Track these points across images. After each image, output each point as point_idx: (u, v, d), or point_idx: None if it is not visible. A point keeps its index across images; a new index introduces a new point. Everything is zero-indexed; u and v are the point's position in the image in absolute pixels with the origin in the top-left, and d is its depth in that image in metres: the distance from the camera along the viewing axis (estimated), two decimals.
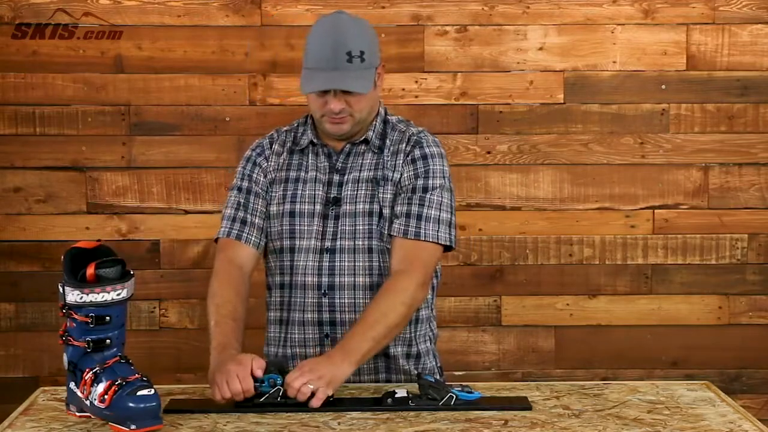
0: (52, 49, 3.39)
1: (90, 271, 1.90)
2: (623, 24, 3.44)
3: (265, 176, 2.41)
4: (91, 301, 1.88)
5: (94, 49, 3.40)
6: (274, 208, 2.39)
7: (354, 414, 2.02)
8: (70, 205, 3.42)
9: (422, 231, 2.29)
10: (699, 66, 3.46)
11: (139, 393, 1.86)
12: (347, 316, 2.33)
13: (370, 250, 2.34)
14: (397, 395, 2.06)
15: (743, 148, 3.48)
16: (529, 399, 2.13)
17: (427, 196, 2.32)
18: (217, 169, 3.43)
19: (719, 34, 3.44)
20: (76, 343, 1.92)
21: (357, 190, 2.35)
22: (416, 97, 3.43)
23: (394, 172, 2.35)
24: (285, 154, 2.42)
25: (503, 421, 1.98)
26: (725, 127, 3.47)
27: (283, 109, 3.41)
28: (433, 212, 2.31)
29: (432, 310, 2.48)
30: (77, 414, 1.97)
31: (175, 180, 3.43)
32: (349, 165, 2.37)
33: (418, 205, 2.31)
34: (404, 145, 2.37)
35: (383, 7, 3.38)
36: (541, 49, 3.44)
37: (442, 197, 2.33)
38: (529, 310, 3.48)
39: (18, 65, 3.39)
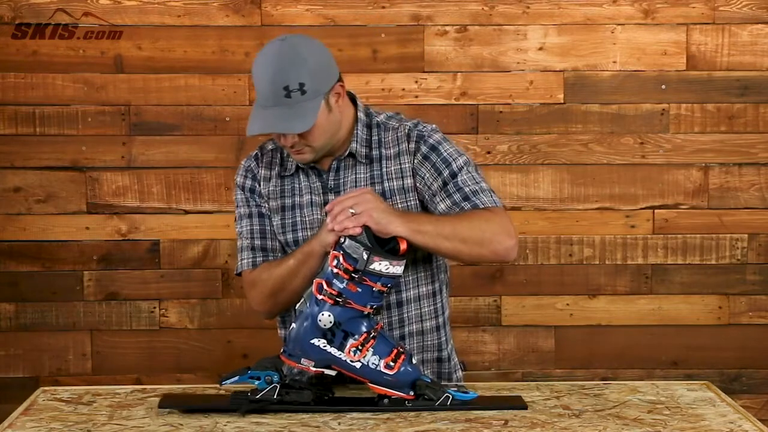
0: (52, 49, 3.39)
1: (404, 246, 2.04)
2: (623, 24, 3.44)
3: (264, 199, 2.34)
4: (392, 273, 2.01)
5: (94, 49, 3.40)
6: None
7: (354, 414, 2.02)
8: (70, 205, 3.42)
9: (479, 203, 2.20)
10: (699, 66, 3.45)
11: (414, 361, 2.07)
12: None
13: None
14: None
15: (743, 148, 3.48)
16: (529, 399, 2.13)
17: (459, 179, 2.22)
18: (217, 169, 3.42)
19: (719, 34, 3.44)
20: (355, 306, 2.01)
21: None
22: (416, 97, 3.42)
23: (404, 178, 2.27)
24: (274, 180, 2.34)
25: (503, 421, 1.98)
26: (725, 127, 3.47)
27: None
28: (473, 187, 2.22)
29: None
30: (312, 369, 2.04)
31: (175, 180, 3.43)
32: (341, 181, 2.29)
33: (458, 191, 2.22)
34: (405, 144, 2.27)
35: (383, 7, 3.38)
36: (541, 49, 3.44)
37: (470, 172, 2.24)
38: (529, 310, 3.48)
39: (18, 65, 3.39)
